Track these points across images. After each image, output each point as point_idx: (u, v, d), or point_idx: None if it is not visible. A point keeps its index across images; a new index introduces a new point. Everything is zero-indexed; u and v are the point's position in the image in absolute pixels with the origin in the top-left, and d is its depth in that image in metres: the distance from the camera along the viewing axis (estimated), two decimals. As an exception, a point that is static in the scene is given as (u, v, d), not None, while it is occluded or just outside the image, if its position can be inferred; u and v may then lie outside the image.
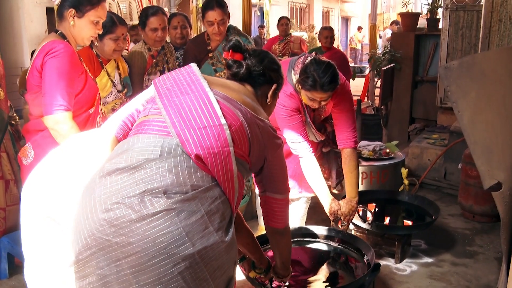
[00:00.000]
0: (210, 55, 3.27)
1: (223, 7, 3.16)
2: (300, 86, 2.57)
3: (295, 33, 9.80)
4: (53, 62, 2.22)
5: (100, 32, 2.43)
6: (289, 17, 7.09)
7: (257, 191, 2.88)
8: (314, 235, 2.74)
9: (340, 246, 2.65)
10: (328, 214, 2.82)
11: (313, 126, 2.80)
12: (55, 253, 1.51)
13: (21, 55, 7.17)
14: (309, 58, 2.58)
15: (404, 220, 3.47)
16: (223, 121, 1.47)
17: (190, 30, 3.79)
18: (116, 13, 8.00)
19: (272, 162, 1.69)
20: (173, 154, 1.42)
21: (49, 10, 7.63)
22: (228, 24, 3.37)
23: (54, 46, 2.25)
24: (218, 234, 1.39)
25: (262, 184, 1.77)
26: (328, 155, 3.07)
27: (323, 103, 2.58)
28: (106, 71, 2.87)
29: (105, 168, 1.44)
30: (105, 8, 2.38)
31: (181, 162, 1.41)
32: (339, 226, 2.81)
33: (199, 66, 3.28)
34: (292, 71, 2.63)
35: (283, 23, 6.52)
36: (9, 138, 3.16)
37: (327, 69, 2.47)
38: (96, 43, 2.80)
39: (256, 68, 1.72)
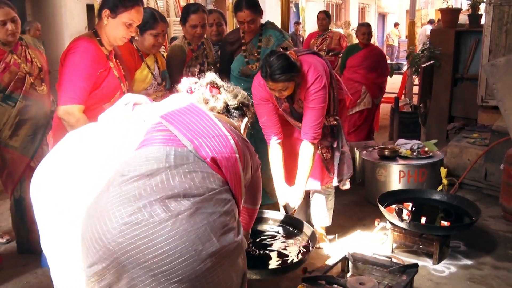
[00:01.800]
0: (243, 48, 3.38)
1: (252, 7, 3.24)
2: None
3: (335, 29, 9.67)
4: (71, 58, 2.40)
5: (133, 35, 2.55)
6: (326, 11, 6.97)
7: None
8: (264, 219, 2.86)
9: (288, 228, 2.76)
10: (278, 199, 2.94)
11: (287, 115, 2.96)
12: (63, 242, 1.56)
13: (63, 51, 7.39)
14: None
15: (442, 221, 3.40)
16: (226, 132, 1.61)
17: (226, 26, 3.84)
18: (154, 8, 8.14)
19: (253, 178, 1.87)
20: (185, 161, 1.51)
21: (89, 7, 7.81)
22: (266, 21, 3.48)
23: (77, 43, 2.44)
24: (233, 233, 1.51)
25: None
26: (332, 150, 3.09)
27: (284, 92, 2.71)
28: (147, 64, 2.94)
29: (117, 178, 1.47)
30: (139, 11, 2.48)
31: (195, 168, 1.50)
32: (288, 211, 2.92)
33: (232, 58, 3.35)
34: None
35: (320, 17, 6.41)
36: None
37: (277, 59, 2.60)
38: (136, 38, 2.87)
39: (231, 102, 1.86)
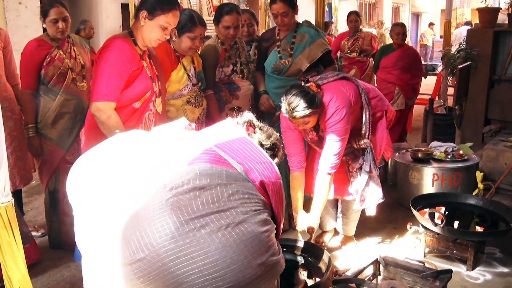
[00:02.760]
0: (277, 44, 3.41)
1: (286, 0, 3.26)
2: None
3: (365, 29, 9.57)
4: (105, 55, 2.44)
5: (167, 37, 2.57)
6: (357, 11, 6.86)
7: None
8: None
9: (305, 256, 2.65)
10: (297, 226, 2.96)
11: (315, 145, 2.96)
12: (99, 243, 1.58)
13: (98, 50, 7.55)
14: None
15: (477, 226, 3.31)
16: (270, 159, 1.74)
17: (257, 26, 3.84)
18: (187, 7, 8.23)
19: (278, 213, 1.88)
20: (236, 180, 1.60)
21: (124, 7, 7.96)
22: (303, 20, 3.53)
23: (111, 41, 2.47)
24: (275, 250, 1.58)
25: None
26: (360, 172, 3.02)
27: (306, 126, 2.73)
28: (183, 65, 2.97)
29: (170, 187, 1.53)
30: (176, 15, 2.51)
31: (244, 188, 1.59)
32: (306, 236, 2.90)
33: (267, 54, 3.36)
34: None
35: (352, 19, 6.31)
36: None
37: (295, 97, 2.60)
38: (174, 38, 2.89)
39: (265, 142, 1.92)
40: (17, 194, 3.45)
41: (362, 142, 2.94)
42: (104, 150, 1.74)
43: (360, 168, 2.99)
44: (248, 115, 1.96)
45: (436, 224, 2.97)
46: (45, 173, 3.28)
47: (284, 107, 2.65)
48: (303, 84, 2.73)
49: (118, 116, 2.43)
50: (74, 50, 3.25)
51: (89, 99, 3.06)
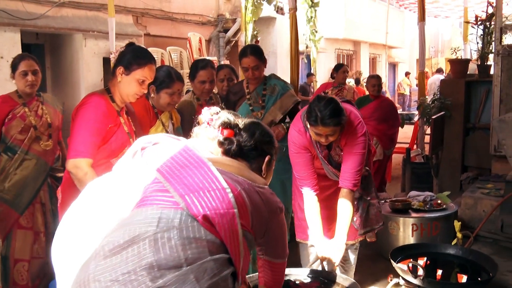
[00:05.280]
0: (248, 96, 3.48)
1: (257, 54, 3.38)
2: (306, 122, 2.67)
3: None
4: (81, 112, 2.45)
5: (145, 92, 2.59)
6: (336, 63, 7.12)
7: None
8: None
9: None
10: (318, 254, 2.78)
11: (327, 163, 2.85)
12: None
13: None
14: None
15: (459, 275, 3.29)
16: (225, 185, 1.48)
17: (237, 80, 3.93)
18: (168, 61, 8.37)
19: (273, 228, 1.67)
20: (171, 224, 1.40)
21: (106, 60, 8.07)
22: (270, 74, 3.64)
23: (88, 98, 2.50)
24: None
25: (261, 248, 1.75)
26: (359, 201, 3.01)
27: (330, 138, 2.64)
28: (161, 121, 2.99)
29: (102, 244, 1.43)
30: (152, 69, 2.55)
31: (180, 231, 1.39)
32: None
33: (236, 107, 3.41)
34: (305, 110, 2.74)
35: (344, 70, 6.48)
36: (47, 190, 3.26)
37: (327, 104, 2.56)
38: (152, 95, 2.92)
39: (247, 143, 1.76)
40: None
41: (364, 169, 2.90)
42: (77, 204, 1.67)
43: (359, 198, 2.97)
44: (224, 115, 1.78)
45: (416, 276, 2.94)
46: None
47: (314, 114, 2.57)
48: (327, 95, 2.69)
49: (95, 172, 2.41)
50: (42, 109, 3.21)
51: (53, 160, 3.02)
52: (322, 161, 2.87)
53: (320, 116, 2.55)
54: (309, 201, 2.84)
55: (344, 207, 2.77)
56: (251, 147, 1.76)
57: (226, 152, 1.76)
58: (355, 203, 2.98)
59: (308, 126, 2.68)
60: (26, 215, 3.12)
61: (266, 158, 1.80)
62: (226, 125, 1.76)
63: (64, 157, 3.32)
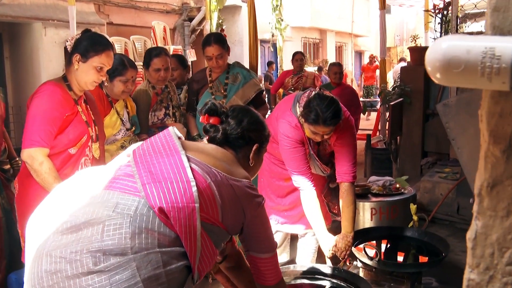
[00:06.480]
0: (210, 85, 3.46)
1: (220, 43, 3.36)
2: (303, 120, 2.62)
3: (309, 68, 9.91)
4: (36, 101, 2.40)
5: (104, 79, 2.55)
6: (302, 52, 7.17)
7: None
8: (310, 272, 2.67)
9: (337, 282, 2.56)
10: (323, 250, 2.80)
11: (317, 159, 2.85)
12: None
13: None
14: (313, 93, 2.63)
15: (415, 257, 3.40)
16: (191, 177, 1.46)
17: (187, 69, 3.92)
18: (132, 51, 8.25)
19: (252, 222, 1.64)
20: (126, 212, 1.40)
21: (67, 50, 7.89)
22: (234, 62, 3.60)
23: (42, 87, 2.44)
24: None
25: (245, 243, 1.74)
26: (336, 191, 3.07)
27: (325, 136, 2.64)
28: (116, 110, 2.96)
29: (65, 220, 1.45)
30: (110, 56, 2.50)
31: (134, 220, 1.38)
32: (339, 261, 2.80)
33: (199, 95, 3.40)
34: (297, 104, 2.71)
35: (298, 58, 6.56)
36: None
37: (330, 104, 2.53)
38: (106, 83, 2.89)
39: (233, 131, 1.72)
40: None
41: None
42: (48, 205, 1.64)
43: (327, 187, 3.05)
44: (210, 104, 1.74)
45: (371, 258, 3.03)
46: None
47: (315, 114, 2.52)
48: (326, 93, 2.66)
49: (52, 162, 2.37)
50: None
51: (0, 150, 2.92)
52: (313, 157, 2.85)
53: (323, 117, 2.52)
54: (309, 197, 2.78)
55: (348, 201, 2.79)
56: (237, 135, 1.72)
57: (212, 140, 1.75)
58: (330, 192, 3.07)
59: (304, 123, 2.64)
60: None
61: (254, 147, 1.76)
62: (212, 112, 1.74)
63: (9, 149, 3.23)
